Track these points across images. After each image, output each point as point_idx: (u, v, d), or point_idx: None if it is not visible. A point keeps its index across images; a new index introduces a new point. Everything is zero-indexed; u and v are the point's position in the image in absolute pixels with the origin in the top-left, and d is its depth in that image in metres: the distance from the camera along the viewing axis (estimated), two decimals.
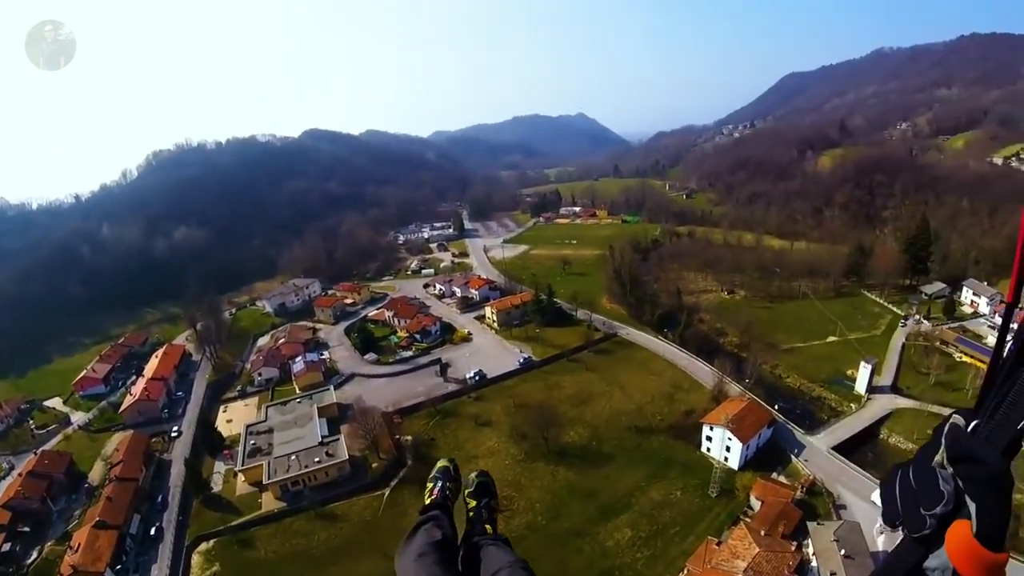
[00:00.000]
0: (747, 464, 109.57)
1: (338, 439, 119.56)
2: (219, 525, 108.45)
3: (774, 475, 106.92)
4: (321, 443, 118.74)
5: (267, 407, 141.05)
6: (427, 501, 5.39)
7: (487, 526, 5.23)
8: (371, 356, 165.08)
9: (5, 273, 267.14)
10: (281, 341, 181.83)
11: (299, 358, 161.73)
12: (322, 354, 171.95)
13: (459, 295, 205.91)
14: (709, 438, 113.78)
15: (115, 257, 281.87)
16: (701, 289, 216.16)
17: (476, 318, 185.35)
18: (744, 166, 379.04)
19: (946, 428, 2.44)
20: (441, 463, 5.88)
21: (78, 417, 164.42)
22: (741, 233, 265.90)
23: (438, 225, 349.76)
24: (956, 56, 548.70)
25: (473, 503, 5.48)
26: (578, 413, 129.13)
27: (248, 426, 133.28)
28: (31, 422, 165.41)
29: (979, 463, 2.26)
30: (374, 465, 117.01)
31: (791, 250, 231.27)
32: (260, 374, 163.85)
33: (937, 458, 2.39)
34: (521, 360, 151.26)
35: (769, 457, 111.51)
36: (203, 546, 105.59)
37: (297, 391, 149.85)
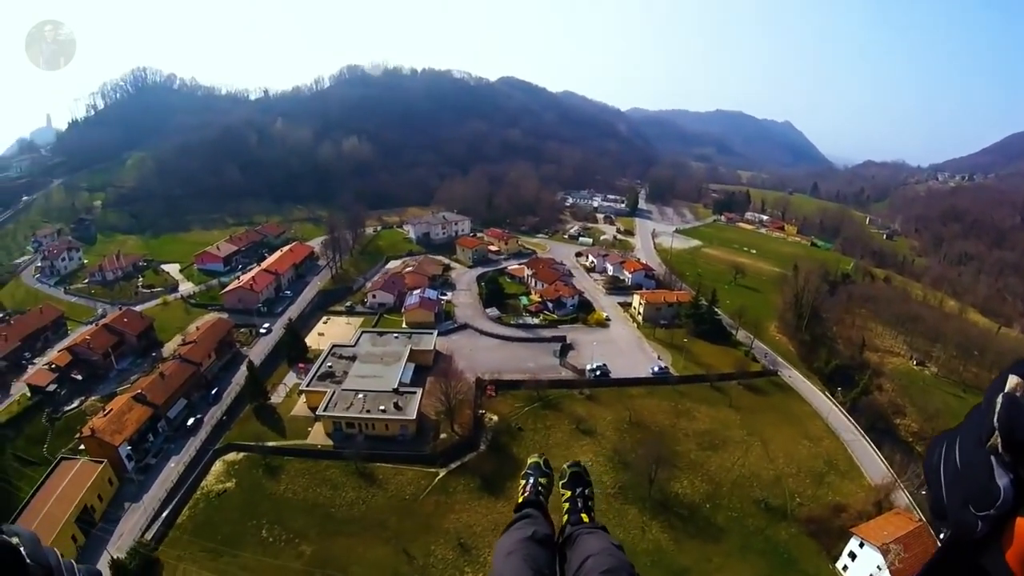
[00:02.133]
0: None
1: (415, 393, 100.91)
2: (259, 439, 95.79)
3: None
4: (396, 391, 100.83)
5: (363, 332, 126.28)
6: (520, 499, 5.07)
7: (583, 515, 4.92)
8: (493, 311, 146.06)
9: (172, 143, 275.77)
10: (408, 269, 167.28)
11: (417, 291, 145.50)
12: (444, 294, 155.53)
13: (610, 273, 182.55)
14: (853, 555, 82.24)
15: (279, 152, 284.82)
16: (886, 348, 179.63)
17: (621, 304, 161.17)
18: (959, 219, 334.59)
19: (1000, 397, 1.84)
20: (532, 458, 5.51)
21: (186, 288, 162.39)
22: (943, 296, 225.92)
23: (611, 197, 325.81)
24: None
25: (568, 493, 5.17)
26: (702, 459, 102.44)
27: (334, 346, 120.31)
28: (141, 279, 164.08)
29: None
30: (443, 436, 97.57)
31: (997, 333, 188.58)
32: (374, 296, 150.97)
33: (991, 441, 1.81)
34: (656, 368, 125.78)
35: None
36: (231, 455, 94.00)
37: (404, 325, 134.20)
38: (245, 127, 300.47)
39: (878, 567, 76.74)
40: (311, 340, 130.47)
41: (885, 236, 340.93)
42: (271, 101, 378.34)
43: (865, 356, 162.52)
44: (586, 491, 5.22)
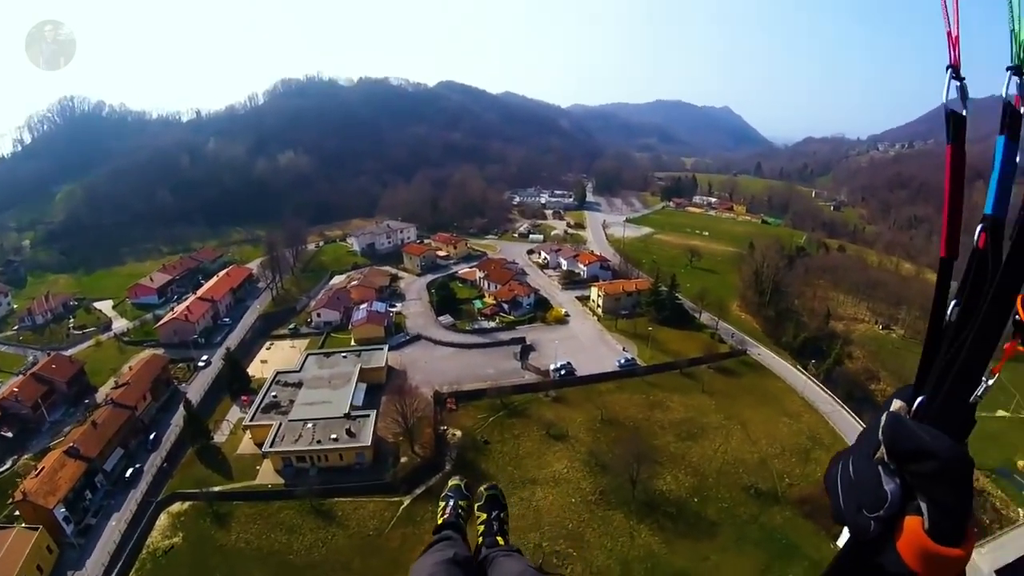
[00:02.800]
0: None
1: (368, 416, 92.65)
2: (204, 485, 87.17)
3: None
4: (347, 416, 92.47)
5: (308, 354, 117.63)
6: (439, 521, 5.12)
7: (498, 538, 4.97)
8: (446, 319, 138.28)
9: (102, 171, 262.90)
10: (354, 283, 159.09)
11: (364, 305, 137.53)
12: (393, 305, 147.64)
13: (564, 268, 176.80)
14: None
15: (213, 172, 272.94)
16: (850, 316, 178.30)
17: (578, 298, 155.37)
18: (905, 185, 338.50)
19: (883, 419, 2.08)
20: (453, 481, 5.48)
21: (120, 325, 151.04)
22: (899, 260, 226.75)
23: (558, 192, 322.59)
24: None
25: (483, 516, 5.18)
26: (683, 450, 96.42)
27: (277, 373, 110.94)
28: (72, 320, 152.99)
29: (926, 457, 1.89)
30: (403, 460, 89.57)
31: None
32: (319, 314, 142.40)
33: (878, 454, 2.06)
34: (622, 361, 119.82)
35: None
36: (176, 506, 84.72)
37: (352, 343, 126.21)
38: (176, 149, 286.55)
39: None
40: (254, 369, 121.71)
41: (832, 208, 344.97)
42: (204, 121, 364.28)
43: (831, 326, 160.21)
44: (501, 514, 5.16)
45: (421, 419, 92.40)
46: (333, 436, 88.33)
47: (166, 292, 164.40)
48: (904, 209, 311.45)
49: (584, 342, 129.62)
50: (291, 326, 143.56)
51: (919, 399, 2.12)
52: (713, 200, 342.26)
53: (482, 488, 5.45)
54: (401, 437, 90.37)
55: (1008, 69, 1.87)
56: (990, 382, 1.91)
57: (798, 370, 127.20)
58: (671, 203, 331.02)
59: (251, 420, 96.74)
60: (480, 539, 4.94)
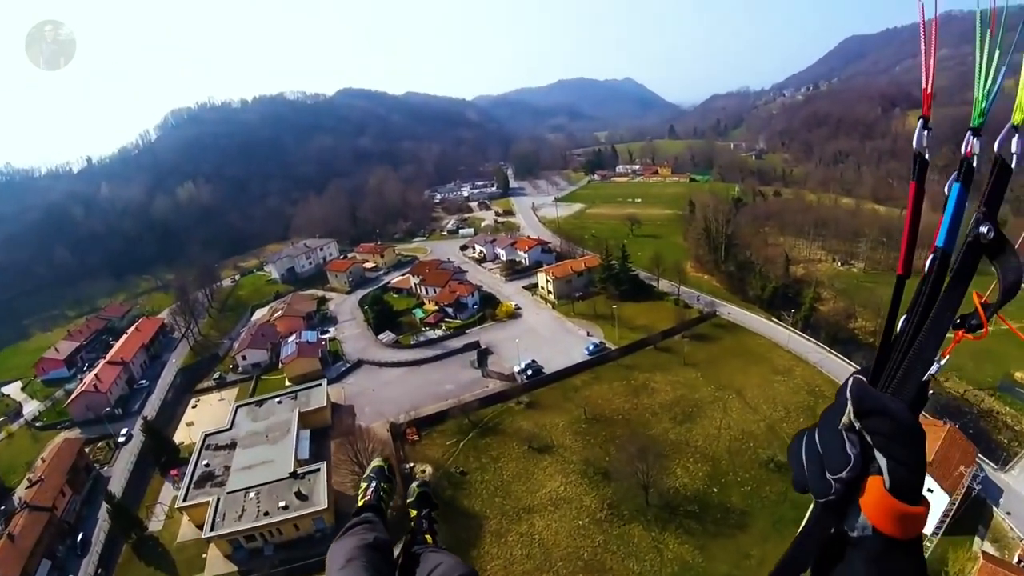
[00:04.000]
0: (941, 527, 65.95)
1: (318, 471, 77.82)
2: None
3: (977, 541, 64.77)
4: (294, 475, 77.40)
5: (236, 407, 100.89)
6: (360, 502, 5.09)
7: (428, 536, 5.07)
8: (387, 336, 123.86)
9: None
10: (278, 315, 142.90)
11: (291, 338, 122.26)
12: (325, 331, 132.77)
13: (504, 258, 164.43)
14: None
15: (110, 220, 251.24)
16: (807, 258, 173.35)
17: (526, 288, 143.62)
18: (823, 123, 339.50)
19: (849, 384, 2.23)
20: (376, 462, 5.49)
21: (31, 407, 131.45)
22: (837, 196, 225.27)
23: (479, 183, 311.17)
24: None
25: (414, 513, 5.28)
26: (684, 435, 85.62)
27: (206, 436, 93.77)
28: None
29: (886, 416, 2.08)
30: None
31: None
32: (244, 357, 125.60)
33: (844, 419, 2.17)
34: (591, 347, 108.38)
35: (964, 513, 67.34)
36: None
37: (287, 383, 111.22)
38: (68, 201, 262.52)
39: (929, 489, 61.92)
40: (181, 435, 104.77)
41: (754, 157, 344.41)
42: (95, 168, 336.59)
43: (792, 271, 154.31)
44: (432, 513, 5.20)
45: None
46: (282, 504, 73.30)
47: (75, 361, 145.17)
48: (828, 145, 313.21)
49: (544, 334, 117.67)
50: (216, 376, 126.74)
51: (877, 367, 2.33)
52: (637, 167, 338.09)
53: (415, 485, 5.38)
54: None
55: (969, 130, 2.11)
56: (942, 362, 2.13)
57: (774, 322, 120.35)
58: (595, 176, 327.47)
59: (184, 500, 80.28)
60: (409, 536, 4.80)
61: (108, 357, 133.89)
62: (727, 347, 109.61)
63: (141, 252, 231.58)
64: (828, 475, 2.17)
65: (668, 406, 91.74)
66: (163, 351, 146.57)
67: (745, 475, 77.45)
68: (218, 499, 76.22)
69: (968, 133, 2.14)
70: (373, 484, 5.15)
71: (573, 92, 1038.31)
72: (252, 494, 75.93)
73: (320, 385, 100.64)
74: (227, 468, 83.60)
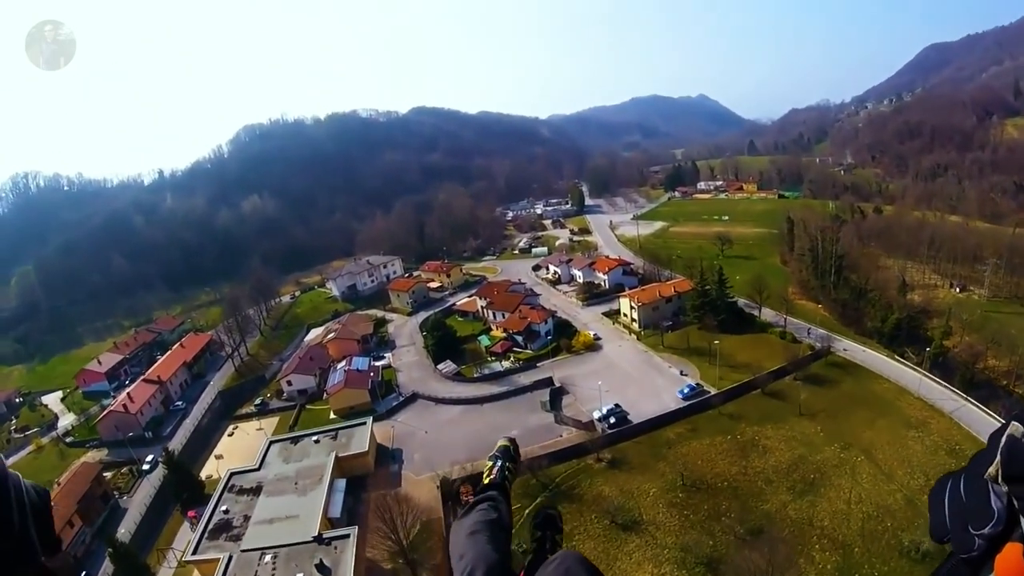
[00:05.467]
0: None
1: (347, 538, 62.15)
2: None
3: None
4: (319, 539, 62.25)
5: (270, 442, 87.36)
6: (485, 481, 4.76)
7: (549, 556, 4.35)
8: (448, 366, 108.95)
9: (54, 246, 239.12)
10: (330, 336, 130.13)
11: (341, 364, 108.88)
12: (380, 357, 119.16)
13: (580, 280, 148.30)
14: None
15: (171, 231, 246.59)
16: (920, 283, 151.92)
17: (606, 314, 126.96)
18: (916, 134, 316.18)
19: (1004, 437, 2.07)
20: (502, 442, 5.08)
21: (67, 420, 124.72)
22: (942, 213, 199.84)
23: (553, 201, 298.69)
24: None
25: (538, 533, 4.74)
26: (805, 511, 67.58)
27: (231, 474, 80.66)
28: (14, 421, 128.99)
29: None
30: None
31: (1012, 234, 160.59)
32: (289, 383, 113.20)
33: (991, 470, 2.06)
34: (687, 390, 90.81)
35: None
36: None
37: (331, 415, 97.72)
38: (130, 210, 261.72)
39: None
40: (209, 468, 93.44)
41: (843, 172, 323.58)
42: (165, 181, 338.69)
43: (909, 298, 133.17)
44: (557, 536, 4.74)
45: (427, 526, 63.44)
46: (300, 575, 58.88)
47: (119, 375, 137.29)
48: (922, 158, 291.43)
49: (628, 370, 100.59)
50: (257, 401, 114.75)
51: None
52: (719, 183, 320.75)
53: (543, 506, 4.98)
54: (401, 561, 60.93)
55: None
56: None
57: (898, 362, 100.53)
58: (676, 193, 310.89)
59: (194, 552, 67.13)
60: (531, 556, 4.40)
61: (146, 374, 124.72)
62: (848, 392, 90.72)
63: (201, 264, 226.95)
64: (971, 529, 2.05)
65: (785, 471, 73.54)
66: (208, 370, 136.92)
67: (884, 568, 59.19)
68: (230, 557, 62.11)
69: None
70: (499, 464, 4.76)
71: (647, 109, 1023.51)
72: (268, 557, 61.47)
73: (364, 424, 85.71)
74: (247, 518, 70.05)
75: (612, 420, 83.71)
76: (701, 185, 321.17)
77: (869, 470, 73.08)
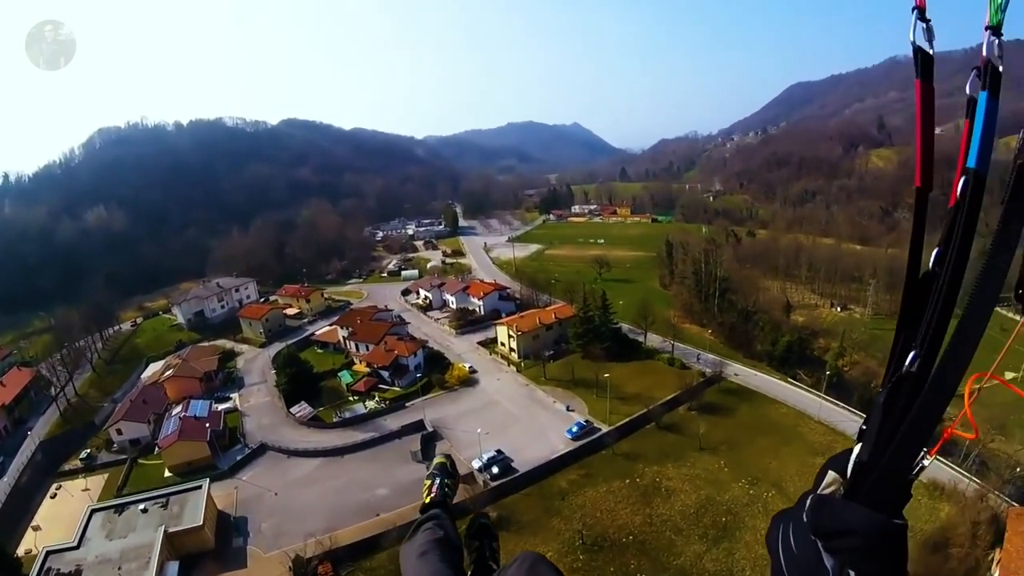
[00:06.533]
0: None
1: None
2: None
3: None
4: None
5: (91, 511, 72.56)
6: (426, 500, 5.09)
7: (491, 564, 4.97)
8: (303, 409, 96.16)
9: None
10: (169, 372, 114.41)
11: (177, 410, 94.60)
12: (226, 398, 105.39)
13: (454, 306, 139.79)
14: None
15: (7, 245, 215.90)
16: (800, 303, 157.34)
17: (481, 344, 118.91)
18: (785, 163, 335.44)
19: (808, 502, 2.10)
20: (438, 459, 5.52)
21: None
22: (815, 236, 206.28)
23: (426, 221, 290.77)
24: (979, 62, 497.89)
25: (475, 544, 5.06)
26: (723, 563, 61.69)
27: (47, 554, 65.48)
28: None
29: (851, 534, 1.92)
30: None
31: (888, 256, 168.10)
32: (119, 431, 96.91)
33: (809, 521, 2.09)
34: (577, 428, 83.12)
35: None
36: None
37: (165, 472, 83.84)
38: None
39: None
40: (29, 540, 76.48)
41: (712, 198, 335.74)
42: (11, 186, 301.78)
43: (793, 319, 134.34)
44: (493, 544, 5.05)
45: None
46: None
47: None
48: (791, 185, 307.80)
49: (509, 408, 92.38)
50: (84, 455, 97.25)
51: (856, 451, 2.10)
52: (594, 207, 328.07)
53: (476, 515, 5.33)
54: None
55: (986, 29, 1.95)
56: (926, 462, 1.93)
57: (793, 384, 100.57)
58: (551, 216, 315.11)
59: None
60: (473, 566, 4.75)
61: None
62: (746, 421, 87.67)
63: (38, 283, 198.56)
64: None
65: (693, 515, 67.69)
66: (33, 414, 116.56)
67: None
68: None
69: (986, 32, 1.95)
70: (437, 481, 5.06)
71: (522, 134, 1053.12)
72: None
73: (199, 488, 71.95)
74: None
75: (495, 470, 74.39)
76: (576, 208, 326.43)
77: (782, 505, 68.14)
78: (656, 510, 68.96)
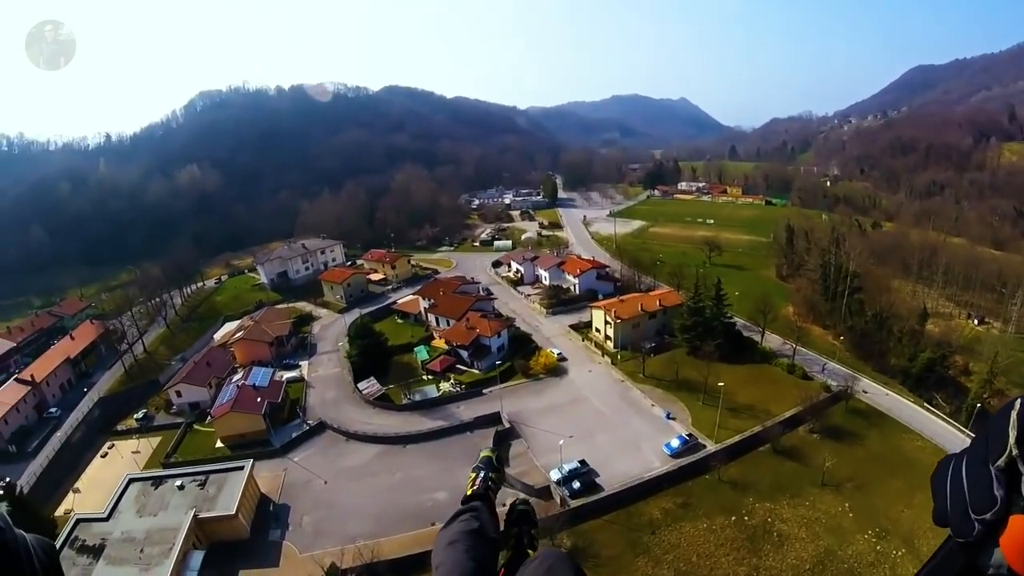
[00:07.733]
0: None
1: None
2: None
3: None
4: None
5: (128, 480, 65.62)
6: (468, 492, 4.68)
7: (529, 551, 4.52)
8: (371, 385, 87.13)
9: None
10: (237, 336, 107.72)
11: (237, 377, 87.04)
12: (294, 366, 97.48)
13: (546, 282, 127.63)
14: None
15: (99, 202, 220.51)
16: (933, 311, 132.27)
17: (573, 327, 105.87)
18: (910, 150, 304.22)
19: (1014, 411, 2.05)
20: (484, 452, 5.05)
21: None
22: (944, 235, 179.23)
23: (523, 191, 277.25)
24: None
25: (514, 530, 4.61)
26: None
27: (77, 522, 59.23)
28: None
29: None
30: None
31: None
32: (179, 394, 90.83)
33: (1000, 459, 2.04)
34: (678, 443, 69.20)
35: None
36: None
37: (217, 442, 76.33)
38: (57, 178, 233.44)
39: None
40: (68, 502, 71.53)
41: (828, 183, 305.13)
42: (111, 146, 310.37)
43: (928, 330, 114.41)
44: (532, 531, 4.64)
45: None
46: None
47: (7, 366, 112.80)
48: (918, 175, 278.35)
49: (599, 407, 79.54)
50: (140, 414, 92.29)
51: None
52: (702, 184, 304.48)
53: (516, 501, 4.80)
54: None
55: None
56: None
57: (928, 411, 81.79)
58: (655, 191, 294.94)
59: None
60: (509, 552, 4.40)
61: (20, 372, 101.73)
62: (876, 453, 71.19)
63: (128, 239, 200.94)
64: (972, 514, 2.07)
65: (808, 572, 53.50)
66: (98, 368, 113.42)
67: None
68: None
69: None
70: (482, 474, 4.72)
71: (627, 108, 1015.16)
72: None
73: (241, 469, 63.70)
74: None
75: (576, 485, 62.08)
76: (682, 185, 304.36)
77: (912, 569, 53.57)
78: (764, 561, 55.34)
